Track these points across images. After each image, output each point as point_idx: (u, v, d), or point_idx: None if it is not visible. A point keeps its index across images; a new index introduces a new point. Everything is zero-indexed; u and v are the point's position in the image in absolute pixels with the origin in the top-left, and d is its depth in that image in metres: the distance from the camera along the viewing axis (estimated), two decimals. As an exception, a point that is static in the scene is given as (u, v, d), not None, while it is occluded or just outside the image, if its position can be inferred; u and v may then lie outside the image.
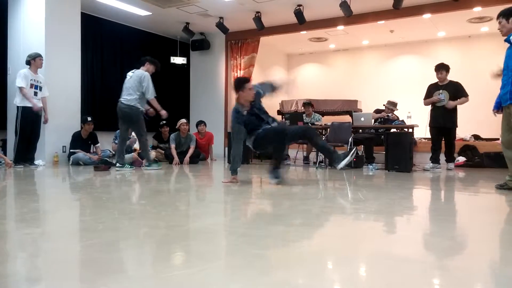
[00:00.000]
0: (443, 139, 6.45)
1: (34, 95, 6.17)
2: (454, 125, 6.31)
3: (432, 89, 6.42)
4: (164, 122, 7.99)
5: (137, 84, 5.83)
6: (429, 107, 6.52)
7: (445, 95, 6.26)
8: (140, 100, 5.87)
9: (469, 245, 2.04)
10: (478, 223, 2.61)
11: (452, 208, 3.23)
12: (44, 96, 6.36)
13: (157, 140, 8.03)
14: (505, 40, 3.86)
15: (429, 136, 6.88)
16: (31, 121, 6.14)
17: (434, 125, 6.40)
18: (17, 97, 6.07)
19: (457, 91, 6.24)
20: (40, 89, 6.28)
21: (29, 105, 6.05)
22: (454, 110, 6.26)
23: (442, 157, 6.56)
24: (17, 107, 6.08)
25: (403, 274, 1.52)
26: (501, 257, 1.82)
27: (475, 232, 2.31)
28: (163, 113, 6.02)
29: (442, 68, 6.34)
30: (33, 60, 6.16)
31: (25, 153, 6.20)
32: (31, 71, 6.16)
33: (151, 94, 5.84)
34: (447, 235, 2.18)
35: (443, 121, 6.27)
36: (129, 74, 5.99)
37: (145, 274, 1.49)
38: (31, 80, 6.12)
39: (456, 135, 6.62)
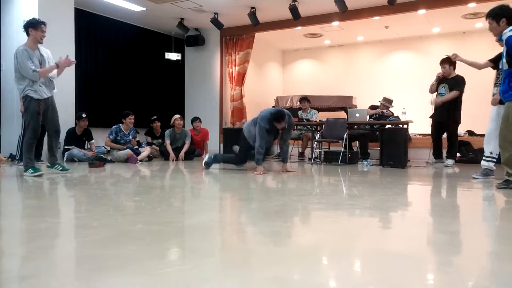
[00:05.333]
0: (442, 134, 6.45)
1: None
2: (451, 120, 6.24)
3: (438, 81, 6.37)
4: (155, 117, 7.98)
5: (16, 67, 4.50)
6: (428, 102, 6.52)
7: (446, 89, 6.23)
8: (29, 83, 4.52)
9: (463, 240, 2.06)
10: (473, 218, 2.63)
11: (446, 204, 3.24)
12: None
13: (150, 136, 8.00)
14: (499, 39, 3.83)
15: (424, 132, 6.91)
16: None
17: (435, 119, 6.40)
18: None
19: (454, 85, 6.20)
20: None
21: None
22: (452, 105, 6.19)
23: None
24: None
25: (397, 270, 1.53)
26: (496, 252, 1.83)
27: (469, 228, 2.32)
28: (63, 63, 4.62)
29: (445, 62, 6.27)
30: None
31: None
32: None
33: (31, 75, 4.46)
34: (441, 230, 2.19)
35: (442, 116, 6.25)
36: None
37: (140, 270, 1.48)
38: None
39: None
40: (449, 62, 6.26)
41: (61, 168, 4.94)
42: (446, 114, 6.22)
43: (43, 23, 4.61)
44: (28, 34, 4.58)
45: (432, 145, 6.57)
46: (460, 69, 6.43)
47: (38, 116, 4.58)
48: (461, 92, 6.18)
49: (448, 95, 6.14)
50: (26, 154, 4.60)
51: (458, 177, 5.12)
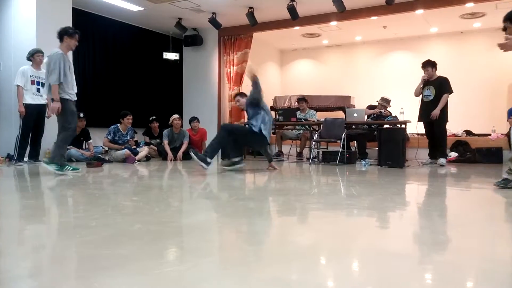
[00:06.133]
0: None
1: (37, 91, 6.11)
2: (441, 119, 6.26)
3: (422, 84, 6.45)
4: (154, 117, 7.97)
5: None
6: (419, 101, 6.55)
7: (432, 91, 6.30)
8: (63, 86, 4.70)
9: (460, 240, 2.06)
10: (470, 218, 2.63)
11: (444, 203, 3.25)
12: None
13: (148, 136, 8.00)
14: None
15: (422, 132, 6.92)
16: (34, 118, 6.09)
17: (423, 120, 6.45)
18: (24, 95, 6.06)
19: (441, 87, 6.26)
20: (43, 85, 6.14)
21: (30, 102, 6.01)
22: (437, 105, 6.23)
23: None
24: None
25: (395, 269, 1.53)
26: (492, 252, 1.84)
27: (467, 227, 2.33)
28: (55, 106, 4.61)
29: (427, 65, 6.39)
30: (32, 57, 6.10)
31: (31, 150, 6.18)
32: (32, 67, 6.10)
33: (53, 79, 4.62)
34: (439, 230, 2.19)
35: (428, 117, 6.27)
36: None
37: (138, 270, 1.48)
38: (31, 76, 6.05)
39: (448, 130, 6.63)
40: (431, 64, 6.35)
41: (71, 168, 4.99)
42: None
43: (78, 32, 4.94)
44: (61, 41, 4.84)
45: (428, 146, 6.61)
46: (457, 70, 6.44)
47: (76, 114, 4.89)
48: (451, 93, 6.26)
49: (442, 101, 6.20)
50: (61, 151, 4.79)
51: (456, 176, 5.13)
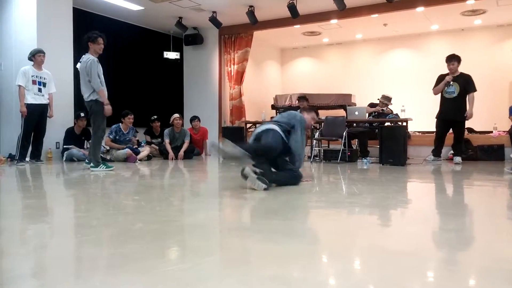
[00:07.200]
0: (447, 133, 6.42)
1: (38, 91, 6.13)
2: (464, 118, 6.20)
3: (442, 80, 6.28)
4: (155, 117, 7.98)
5: (84, 73, 4.93)
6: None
7: (456, 87, 6.17)
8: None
9: (463, 238, 2.06)
10: (473, 216, 2.63)
11: (446, 201, 3.25)
12: (50, 92, 6.32)
13: (149, 135, 8.01)
14: None
15: (422, 130, 6.89)
16: (36, 117, 6.10)
17: (443, 117, 6.32)
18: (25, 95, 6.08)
19: (466, 84, 6.13)
20: (45, 85, 6.23)
21: (32, 102, 6.03)
22: (464, 103, 6.15)
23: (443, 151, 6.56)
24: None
25: (398, 267, 1.53)
26: (496, 250, 1.83)
27: (470, 225, 2.32)
28: (108, 108, 5.04)
29: (453, 59, 6.21)
30: (33, 57, 6.11)
31: (32, 150, 6.19)
32: (34, 67, 6.12)
33: (97, 84, 4.91)
34: (441, 228, 2.19)
35: (453, 114, 6.18)
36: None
37: (140, 269, 1.48)
38: (32, 76, 6.06)
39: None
40: (457, 59, 6.20)
41: (105, 166, 5.24)
42: (459, 113, 6.16)
43: (101, 35, 5.05)
44: (87, 47, 5.00)
45: (435, 143, 6.54)
46: (459, 67, 6.40)
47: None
48: (476, 91, 6.17)
49: (472, 101, 6.12)
50: (97, 151, 5.15)
51: (458, 174, 5.12)
